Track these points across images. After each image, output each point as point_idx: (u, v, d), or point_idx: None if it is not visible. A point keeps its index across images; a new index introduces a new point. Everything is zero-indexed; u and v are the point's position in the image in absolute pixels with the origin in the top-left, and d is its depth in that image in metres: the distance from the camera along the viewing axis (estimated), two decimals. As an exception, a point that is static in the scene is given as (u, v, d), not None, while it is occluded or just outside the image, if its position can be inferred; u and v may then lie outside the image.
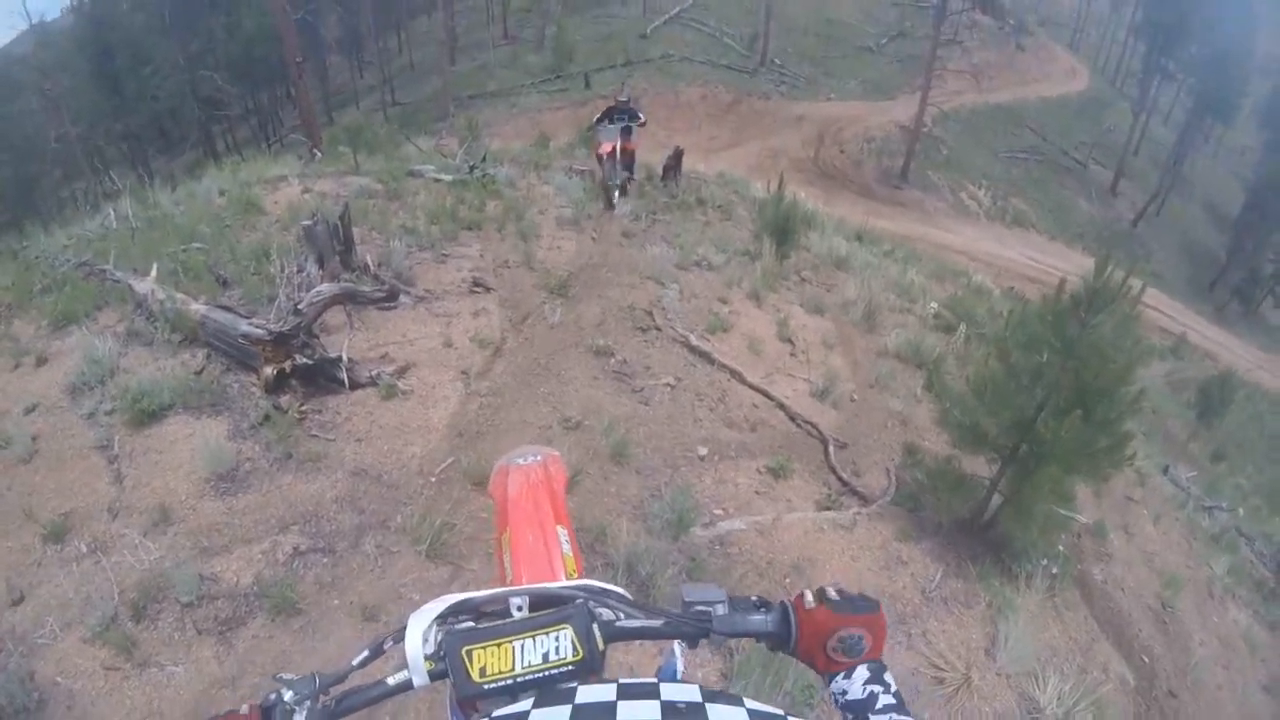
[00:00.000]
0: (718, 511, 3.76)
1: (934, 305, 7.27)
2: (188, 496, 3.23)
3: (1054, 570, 3.77)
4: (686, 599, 0.90)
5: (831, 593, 0.89)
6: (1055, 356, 3.40)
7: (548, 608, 0.88)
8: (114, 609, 2.72)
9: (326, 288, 3.74)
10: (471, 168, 9.08)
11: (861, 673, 0.83)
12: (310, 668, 0.92)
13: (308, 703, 0.84)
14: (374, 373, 3.98)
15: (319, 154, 11.72)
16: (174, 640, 2.67)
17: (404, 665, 0.84)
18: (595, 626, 0.83)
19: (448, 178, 8.82)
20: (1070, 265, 22.13)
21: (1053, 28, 41.62)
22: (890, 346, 6.34)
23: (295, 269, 4.52)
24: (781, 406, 4.96)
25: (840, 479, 4.32)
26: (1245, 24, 30.69)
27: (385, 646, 0.89)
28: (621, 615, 0.90)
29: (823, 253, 8.80)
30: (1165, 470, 7.09)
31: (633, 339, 5.38)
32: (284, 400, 3.71)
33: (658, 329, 5.61)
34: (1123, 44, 38.20)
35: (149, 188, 9.14)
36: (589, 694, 0.60)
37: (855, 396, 5.45)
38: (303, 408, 3.66)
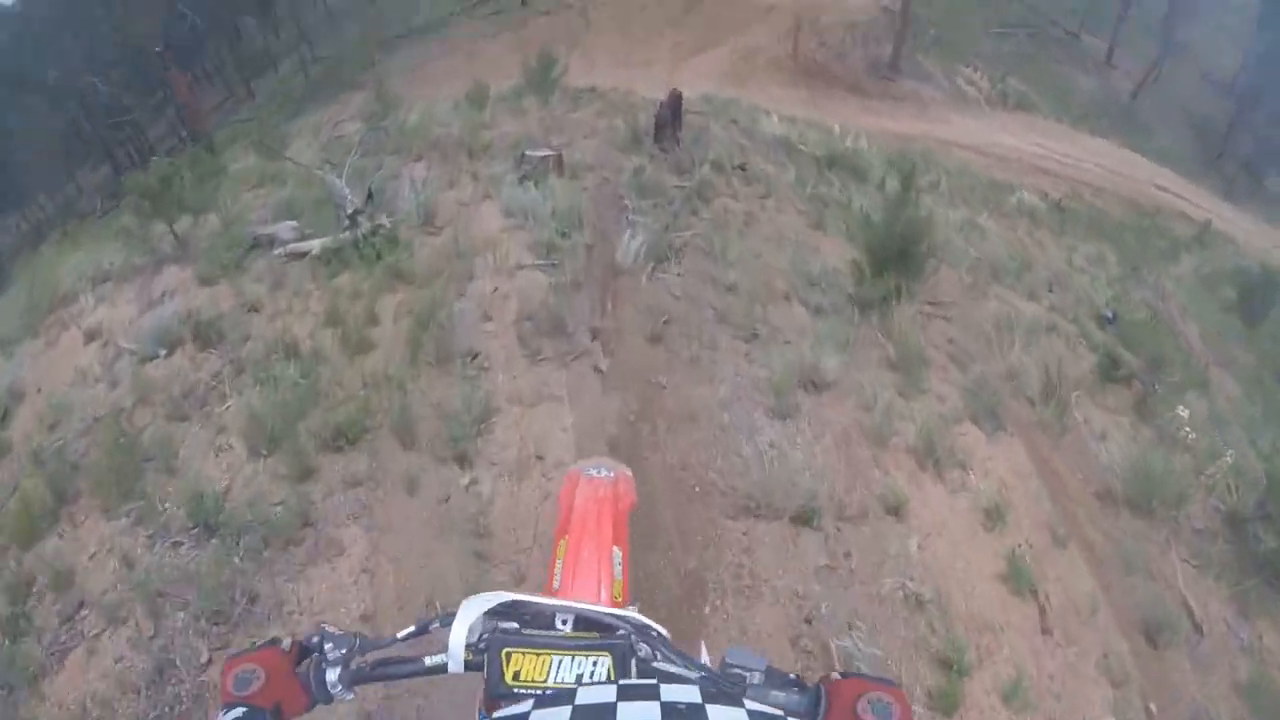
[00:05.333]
0: None
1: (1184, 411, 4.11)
2: None
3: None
4: (728, 660, 0.81)
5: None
6: None
7: (591, 629, 0.83)
8: None
9: None
10: (353, 214, 5.09)
11: None
12: None
13: (341, 662, 0.80)
14: None
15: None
16: None
17: (444, 649, 0.77)
18: (633, 661, 0.77)
19: (315, 246, 5.05)
20: (1079, 150, 18.91)
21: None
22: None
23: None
24: None
25: None
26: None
27: (431, 627, 0.82)
28: (659, 656, 0.80)
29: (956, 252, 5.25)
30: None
31: None
32: None
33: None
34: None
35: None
36: (589, 695, 0.56)
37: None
38: None
